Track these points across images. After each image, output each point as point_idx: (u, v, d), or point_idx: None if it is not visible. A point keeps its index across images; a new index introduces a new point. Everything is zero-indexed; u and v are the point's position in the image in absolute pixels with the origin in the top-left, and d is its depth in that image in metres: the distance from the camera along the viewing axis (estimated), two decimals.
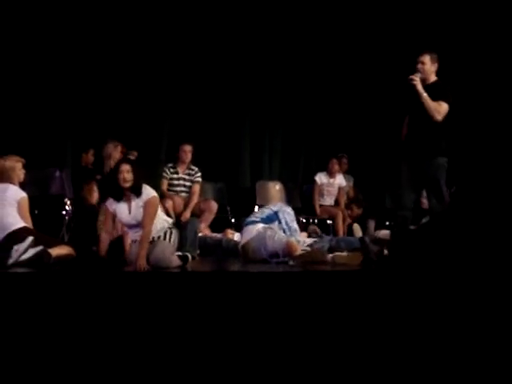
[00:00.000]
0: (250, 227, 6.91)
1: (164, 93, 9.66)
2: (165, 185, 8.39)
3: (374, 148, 10.62)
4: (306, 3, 10.16)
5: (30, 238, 5.59)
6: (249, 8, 9.98)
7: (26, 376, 4.10)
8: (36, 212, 7.10)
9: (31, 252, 5.60)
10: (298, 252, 6.57)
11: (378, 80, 10.26)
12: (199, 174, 8.51)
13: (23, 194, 6.23)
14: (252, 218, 7.09)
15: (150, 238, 5.76)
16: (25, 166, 6.43)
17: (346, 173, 10.14)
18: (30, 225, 6.14)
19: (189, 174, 8.49)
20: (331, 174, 9.74)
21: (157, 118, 9.63)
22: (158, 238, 5.85)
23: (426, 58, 6.60)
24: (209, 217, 8.29)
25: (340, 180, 9.80)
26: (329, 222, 9.49)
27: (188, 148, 8.47)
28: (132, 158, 8.25)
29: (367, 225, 9.57)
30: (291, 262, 6.40)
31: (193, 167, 8.52)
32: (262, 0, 10.01)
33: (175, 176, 8.42)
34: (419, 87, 6.46)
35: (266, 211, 7.16)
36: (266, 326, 4.75)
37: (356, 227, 9.39)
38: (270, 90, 10.46)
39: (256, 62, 10.27)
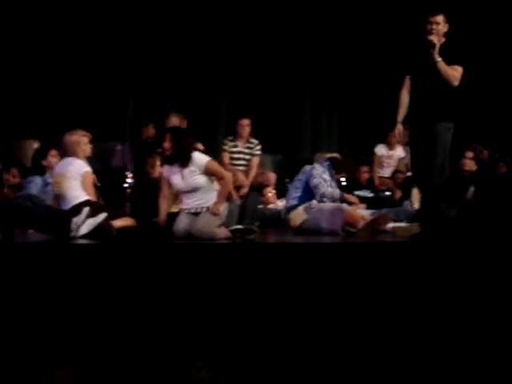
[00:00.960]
0: (294, 212, 6.95)
1: (224, 65, 9.68)
2: (226, 158, 8.31)
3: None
4: None
5: (86, 209, 5.66)
6: None
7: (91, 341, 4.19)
8: (99, 185, 7.21)
9: (92, 223, 5.69)
10: (360, 220, 6.64)
11: None
12: (259, 147, 8.47)
13: (87, 168, 6.31)
14: (291, 203, 7.13)
15: (206, 205, 5.87)
16: (91, 141, 6.53)
17: (407, 145, 10.01)
18: (93, 198, 6.24)
19: (248, 148, 8.43)
20: (390, 146, 9.65)
21: (216, 91, 9.67)
22: (207, 209, 5.91)
23: (440, 18, 6.23)
24: (270, 189, 8.27)
25: (399, 152, 9.70)
26: (387, 193, 9.42)
27: (246, 122, 8.38)
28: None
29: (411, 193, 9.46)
30: (355, 231, 6.58)
31: (252, 140, 8.48)
32: None
33: (235, 149, 8.37)
34: (436, 53, 6.12)
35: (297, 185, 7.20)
36: (334, 297, 4.78)
37: (415, 193, 9.18)
38: (330, 63, 10.40)
39: (316, 35, 10.21)
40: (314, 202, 7.00)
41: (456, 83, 6.18)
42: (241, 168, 8.34)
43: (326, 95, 10.52)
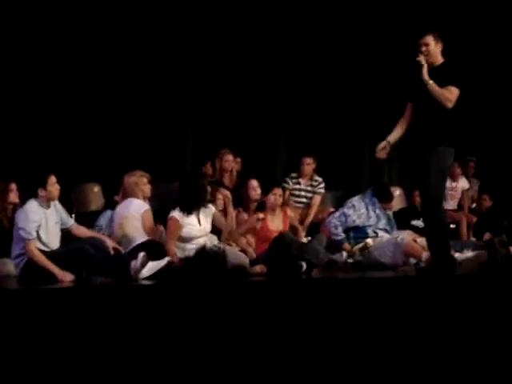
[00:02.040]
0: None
1: (281, 104, 9.65)
2: (287, 195, 8.32)
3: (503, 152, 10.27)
4: None
5: (141, 255, 5.60)
6: None
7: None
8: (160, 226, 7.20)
9: (155, 267, 5.63)
10: (422, 252, 6.54)
11: None
12: (322, 185, 8.47)
13: (146, 207, 6.35)
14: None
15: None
16: (150, 182, 6.55)
17: (472, 176, 9.89)
18: (154, 237, 6.23)
19: (311, 185, 8.44)
20: (454, 178, 9.48)
21: (275, 126, 9.65)
22: None
23: (430, 39, 5.94)
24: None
25: (463, 183, 9.55)
26: (452, 226, 9.23)
27: (309, 160, 8.42)
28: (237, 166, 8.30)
29: None
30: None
31: (317, 178, 8.49)
32: None
33: (297, 187, 8.39)
34: (425, 74, 5.87)
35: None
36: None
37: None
38: (388, 95, 10.29)
39: (369, 72, 10.13)
40: (370, 240, 6.93)
41: (449, 105, 5.86)
42: (300, 205, 8.31)
43: (385, 128, 10.38)
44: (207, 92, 9.21)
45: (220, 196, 7.36)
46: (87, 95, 8.56)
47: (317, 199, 8.41)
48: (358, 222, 7.13)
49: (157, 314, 4.50)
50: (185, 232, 6.18)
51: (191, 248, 6.02)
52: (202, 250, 5.80)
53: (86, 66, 8.57)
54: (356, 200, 7.27)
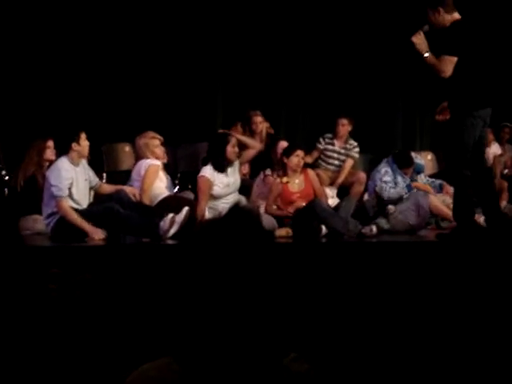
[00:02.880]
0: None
1: (317, 66, 9.59)
2: (315, 154, 8.18)
3: None
4: None
5: (170, 216, 5.65)
6: None
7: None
8: (189, 187, 7.24)
9: (178, 221, 5.68)
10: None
11: None
12: (357, 150, 8.27)
13: (152, 162, 6.37)
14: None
15: None
16: (163, 144, 6.56)
17: (507, 142, 9.78)
18: (145, 190, 6.25)
19: (345, 148, 8.27)
20: (486, 143, 9.36)
21: (309, 92, 9.60)
22: None
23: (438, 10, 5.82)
24: (359, 188, 8.08)
25: (495, 149, 9.43)
26: None
27: (344, 121, 8.19)
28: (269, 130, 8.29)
29: None
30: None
31: (352, 142, 8.30)
32: None
33: (330, 147, 8.23)
34: (422, 49, 5.83)
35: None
36: None
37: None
38: (421, 68, 10.19)
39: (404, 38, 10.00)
40: (391, 206, 6.91)
41: (444, 75, 5.83)
42: (332, 168, 8.20)
43: (418, 93, 10.31)
44: (238, 53, 9.16)
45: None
46: (118, 55, 8.56)
47: (349, 162, 8.20)
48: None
49: (185, 274, 4.54)
50: (216, 190, 6.24)
51: (223, 206, 6.06)
52: (236, 207, 5.81)
53: (119, 29, 8.57)
54: (384, 166, 7.25)
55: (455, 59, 5.77)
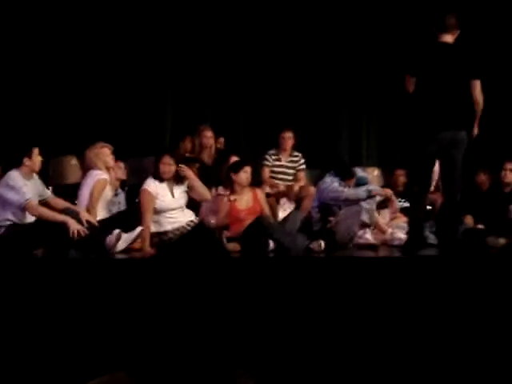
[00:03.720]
0: None
1: (263, 80, 9.61)
2: (267, 172, 8.24)
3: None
4: None
5: (116, 231, 5.64)
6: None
7: None
8: (136, 201, 7.18)
9: (128, 238, 5.65)
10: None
11: None
12: (303, 161, 8.38)
13: (101, 176, 6.35)
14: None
15: None
16: (114, 152, 6.55)
17: None
18: (94, 205, 6.23)
19: (291, 161, 8.35)
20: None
21: (255, 105, 9.60)
22: None
23: None
24: (308, 203, 8.11)
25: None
26: (428, 207, 9.27)
27: (288, 134, 8.28)
28: (219, 145, 8.31)
29: None
30: None
31: (296, 153, 8.39)
32: None
33: (277, 163, 8.29)
34: None
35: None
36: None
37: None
38: (368, 75, 10.29)
39: (352, 48, 10.10)
40: (332, 219, 6.96)
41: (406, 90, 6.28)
42: (283, 183, 8.24)
43: (364, 109, 10.40)
44: (188, 68, 9.14)
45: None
46: (64, 68, 8.48)
47: (301, 175, 8.34)
48: None
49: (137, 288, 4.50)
50: (158, 204, 6.19)
51: (166, 221, 6.03)
52: (199, 226, 5.80)
53: (67, 40, 8.49)
54: (328, 178, 7.26)
55: (413, 78, 6.15)
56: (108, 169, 6.56)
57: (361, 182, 7.53)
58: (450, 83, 6.06)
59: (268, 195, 7.53)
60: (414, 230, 6.18)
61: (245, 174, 6.75)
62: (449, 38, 6.15)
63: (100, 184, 6.36)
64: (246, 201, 6.81)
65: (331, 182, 7.12)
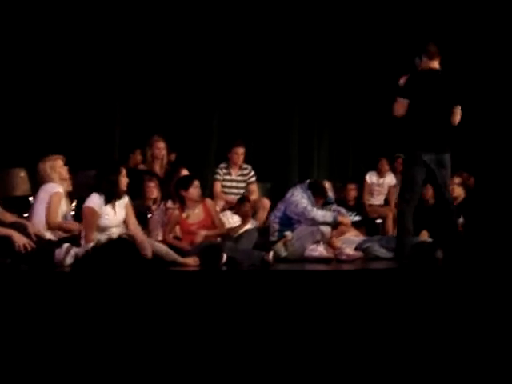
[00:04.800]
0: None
1: (213, 92, 9.60)
2: (218, 187, 8.23)
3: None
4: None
5: (66, 245, 5.56)
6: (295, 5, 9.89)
7: None
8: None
9: (78, 253, 5.57)
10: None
11: None
12: (253, 174, 8.38)
13: (56, 190, 6.27)
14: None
15: None
16: (66, 163, 6.48)
17: (400, 173, 10.03)
18: (54, 220, 6.15)
19: (242, 175, 8.35)
20: (381, 174, 9.62)
21: (205, 118, 9.59)
22: None
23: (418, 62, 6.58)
24: (263, 215, 8.08)
25: (390, 179, 9.67)
26: (378, 221, 9.36)
27: (241, 150, 8.27)
28: (171, 158, 8.30)
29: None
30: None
31: (245, 166, 8.38)
32: None
33: (228, 178, 8.28)
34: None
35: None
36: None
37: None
38: (319, 89, 10.36)
39: (304, 62, 10.17)
40: (288, 233, 6.96)
41: (394, 114, 6.58)
42: (235, 197, 8.22)
43: (315, 122, 10.47)
44: (136, 78, 9.09)
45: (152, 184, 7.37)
46: (11, 81, 8.37)
47: (253, 187, 8.36)
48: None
49: (78, 300, 4.44)
50: (101, 222, 6.04)
51: (104, 238, 5.91)
52: (115, 238, 5.70)
53: (12, 52, 8.37)
54: (299, 191, 7.24)
55: (406, 102, 6.41)
56: (62, 180, 6.47)
57: (328, 201, 7.55)
58: (439, 108, 6.45)
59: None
60: (399, 245, 6.48)
61: (195, 190, 6.70)
62: (436, 65, 6.51)
63: (57, 197, 6.27)
64: (197, 214, 6.77)
65: (301, 197, 7.12)
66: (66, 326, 4.25)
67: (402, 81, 6.47)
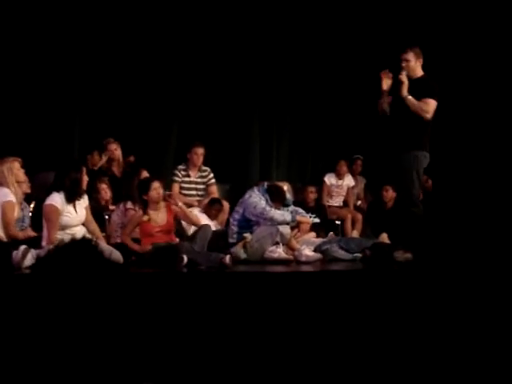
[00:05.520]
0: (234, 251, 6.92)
1: (171, 93, 9.57)
2: (177, 188, 8.15)
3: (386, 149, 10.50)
4: (305, 4, 10.07)
5: (23, 247, 5.49)
6: (253, 7, 9.89)
7: None
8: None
9: (36, 255, 5.50)
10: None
11: None
12: (212, 175, 8.35)
13: (8, 198, 6.16)
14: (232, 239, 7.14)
15: None
16: (23, 166, 6.39)
17: (359, 174, 10.12)
18: (10, 229, 6.07)
19: (201, 177, 8.31)
20: (339, 176, 9.67)
21: (165, 117, 9.56)
22: None
23: (410, 55, 6.63)
24: (223, 217, 8.08)
25: (348, 181, 9.73)
26: (337, 222, 9.42)
27: (200, 151, 8.22)
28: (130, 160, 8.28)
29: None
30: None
31: (204, 168, 8.34)
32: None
33: (187, 179, 8.23)
34: (404, 91, 6.52)
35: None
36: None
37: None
38: (278, 91, 10.38)
39: (263, 63, 10.18)
40: (247, 235, 6.95)
41: (427, 116, 6.53)
42: (193, 198, 8.19)
43: (275, 124, 10.50)
44: (93, 78, 9.02)
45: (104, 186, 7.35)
46: None
47: (213, 189, 8.34)
48: None
49: (36, 302, 4.38)
50: (63, 220, 6.01)
51: (67, 237, 5.85)
52: (78, 239, 5.63)
53: None
54: (257, 193, 7.22)
55: (435, 102, 6.52)
56: (19, 183, 6.38)
57: (286, 203, 7.56)
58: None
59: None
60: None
61: (155, 191, 6.65)
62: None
63: (9, 207, 6.17)
64: (160, 218, 6.71)
65: (259, 199, 7.11)
66: (28, 329, 4.20)
67: (403, 78, 6.54)
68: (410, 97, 6.48)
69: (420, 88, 6.53)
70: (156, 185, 6.67)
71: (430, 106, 6.53)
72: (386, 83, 6.66)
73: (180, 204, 6.87)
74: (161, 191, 6.68)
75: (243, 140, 10.19)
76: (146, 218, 6.61)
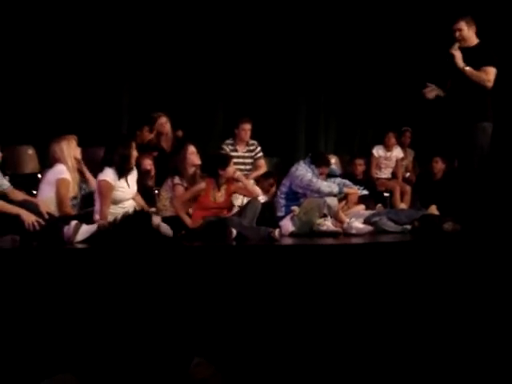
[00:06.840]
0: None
1: (218, 67, 9.59)
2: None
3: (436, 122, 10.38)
4: None
5: (74, 222, 5.55)
6: None
7: None
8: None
9: (87, 231, 5.58)
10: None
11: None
12: (259, 149, 8.35)
13: (63, 175, 6.26)
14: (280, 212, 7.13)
15: None
16: (78, 144, 6.48)
17: (408, 147, 10.05)
18: (63, 206, 6.15)
19: (249, 151, 8.32)
20: (388, 147, 9.61)
21: (212, 93, 9.59)
22: None
23: (462, 24, 6.56)
24: (271, 190, 8.07)
25: (397, 153, 9.67)
26: (386, 194, 9.37)
27: (248, 126, 8.22)
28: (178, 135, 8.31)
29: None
30: None
31: (252, 142, 8.34)
32: None
33: (234, 154, 8.22)
34: (459, 63, 6.43)
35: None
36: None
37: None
38: (326, 63, 10.33)
39: (309, 36, 10.14)
40: (295, 208, 6.95)
41: (489, 84, 6.45)
42: (241, 173, 8.19)
43: (322, 96, 10.45)
44: (146, 55, 9.08)
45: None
46: (18, 57, 8.35)
47: (261, 162, 8.34)
48: None
49: (92, 277, 4.45)
50: (117, 195, 6.09)
51: (119, 212, 5.93)
52: (131, 213, 5.72)
53: (22, 27, 8.36)
54: (303, 165, 7.24)
55: (494, 70, 6.45)
56: (76, 160, 6.48)
57: (332, 174, 7.55)
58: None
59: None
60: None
61: (232, 168, 6.78)
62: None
63: (64, 185, 6.27)
64: (220, 196, 6.77)
65: (306, 171, 7.12)
66: (81, 303, 4.28)
67: (456, 52, 6.48)
68: (467, 67, 6.41)
69: (477, 56, 6.45)
70: (232, 163, 6.80)
71: (490, 73, 6.44)
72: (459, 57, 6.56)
73: (243, 178, 6.94)
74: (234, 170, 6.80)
75: (290, 113, 10.17)
76: (218, 195, 6.68)
